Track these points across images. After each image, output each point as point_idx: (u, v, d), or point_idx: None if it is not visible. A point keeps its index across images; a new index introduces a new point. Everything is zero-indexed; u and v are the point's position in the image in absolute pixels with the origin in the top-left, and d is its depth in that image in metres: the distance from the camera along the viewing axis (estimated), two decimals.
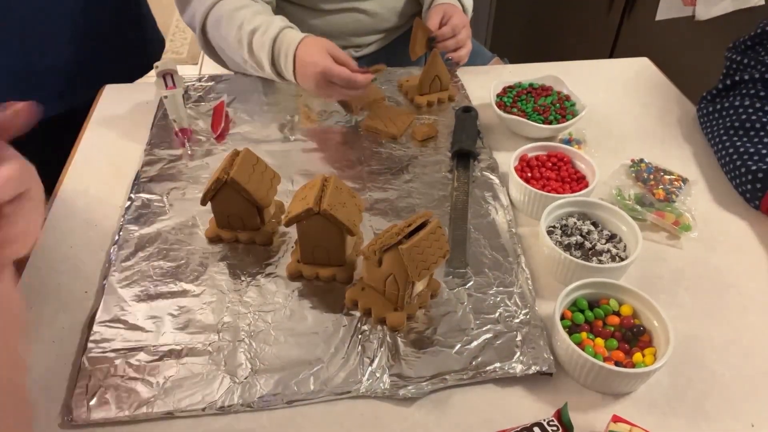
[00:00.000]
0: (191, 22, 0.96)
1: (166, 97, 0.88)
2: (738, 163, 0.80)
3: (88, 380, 0.58)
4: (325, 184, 0.66)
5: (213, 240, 0.73)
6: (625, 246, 0.70)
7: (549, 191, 0.77)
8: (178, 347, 0.61)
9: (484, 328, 0.63)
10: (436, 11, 1.01)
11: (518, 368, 0.59)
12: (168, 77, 0.89)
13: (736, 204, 0.81)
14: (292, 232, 0.75)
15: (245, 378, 0.59)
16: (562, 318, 0.61)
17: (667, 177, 0.82)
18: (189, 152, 0.88)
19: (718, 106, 0.89)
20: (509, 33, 1.93)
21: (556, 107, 0.92)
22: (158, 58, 1.09)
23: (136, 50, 1.13)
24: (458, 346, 0.62)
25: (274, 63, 0.89)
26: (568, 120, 0.89)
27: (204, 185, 0.76)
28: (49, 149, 0.75)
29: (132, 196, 0.79)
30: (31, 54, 0.92)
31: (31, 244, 0.37)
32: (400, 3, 1.12)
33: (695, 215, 0.77)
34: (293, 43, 0.86)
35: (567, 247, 0.70)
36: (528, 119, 0.89)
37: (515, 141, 0.90)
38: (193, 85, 1.02)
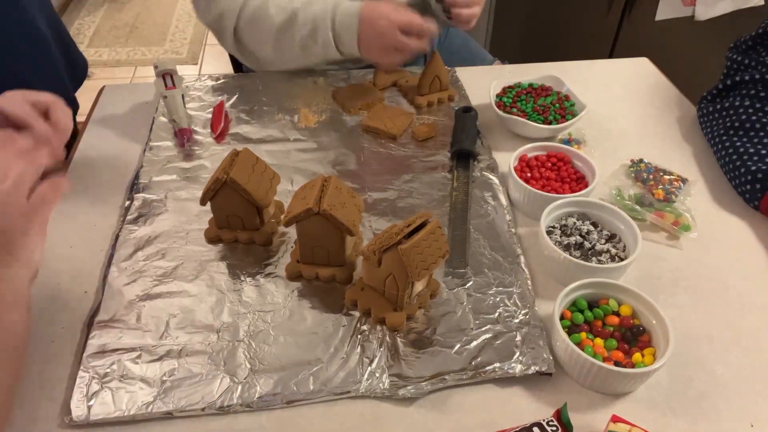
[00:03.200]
0: None
1: (165, 97, 0.88)
2: (738, 163, 0.80)
3: (87, 380, 0.58)
4: (324, 184, 0.66)
5: (212, 240, 0.73)
6: (624, 246, 0.70)
7: (549, 191, 0.77)
8: (178, 347, 0.61)
9: (483, 329, 0.63)
10: None
11: (518, 368, 0.59)
12: (168, 77, 0.90)
13: (735, 204, 0.81)
14: (292, 232, 0.75)
15: (244, 378, 0.59)
16: (562, 318, 0.61)
17: (666, 177, 0.82)
18: (189, 152, 0.88)
19: (718, 107, 0.89)
20: (509, 33, 1.93)
21: (555, 107, 0.92)
22: (80, 84, 1.05)
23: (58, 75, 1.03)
24: (458, 346, 0.62)
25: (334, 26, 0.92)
26: (567, 120, 0.89)
27: (204, 185, 0.76)
28: None
29: (132, 196, 0.79)
30: None
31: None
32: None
33: (695, 215, 0.77)
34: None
35: (566, 247, 0.70)
36: (528, 119, 0.89)
37: (515, 141, 0.90)
38: (193, 85, 1.02)
